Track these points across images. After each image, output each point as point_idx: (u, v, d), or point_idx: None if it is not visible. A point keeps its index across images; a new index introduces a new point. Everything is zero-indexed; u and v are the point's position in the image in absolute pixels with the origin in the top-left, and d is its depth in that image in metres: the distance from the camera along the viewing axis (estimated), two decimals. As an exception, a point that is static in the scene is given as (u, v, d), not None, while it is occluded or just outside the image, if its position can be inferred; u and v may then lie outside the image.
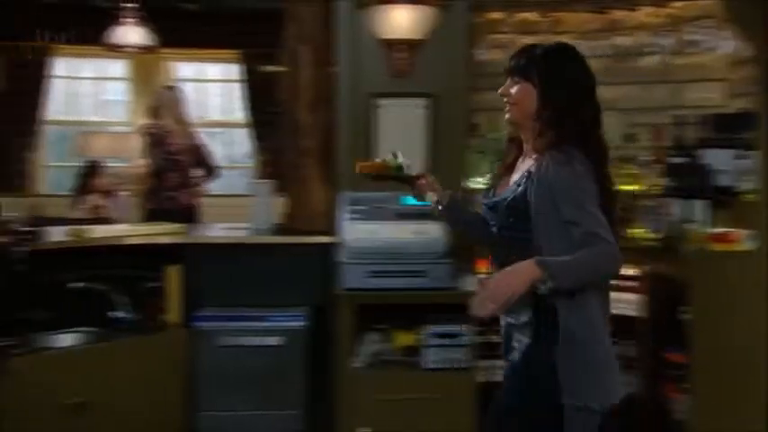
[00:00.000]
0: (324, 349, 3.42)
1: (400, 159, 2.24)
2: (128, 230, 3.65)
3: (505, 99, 2.03)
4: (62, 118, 7.33)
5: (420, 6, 3.39)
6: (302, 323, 3.41)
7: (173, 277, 3.45)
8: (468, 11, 3.52)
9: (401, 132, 3.51)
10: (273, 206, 3.72)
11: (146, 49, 5.85)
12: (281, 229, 3.67)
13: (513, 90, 2.01)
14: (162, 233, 3.60)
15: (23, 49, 6.87)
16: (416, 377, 3.16)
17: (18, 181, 6.87)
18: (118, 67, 7.37)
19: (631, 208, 3.51)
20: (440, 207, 2.21)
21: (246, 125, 7.49)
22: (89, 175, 6.05)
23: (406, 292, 3.18)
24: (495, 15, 3.65)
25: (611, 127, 3.67)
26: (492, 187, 2.12)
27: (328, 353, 3.40)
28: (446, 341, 3.18)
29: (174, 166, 4.88)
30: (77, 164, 6.26)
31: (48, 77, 6.99)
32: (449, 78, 3.52)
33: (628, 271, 3.42)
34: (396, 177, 2.25)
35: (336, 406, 3.32)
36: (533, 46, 2.05)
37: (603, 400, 1.93)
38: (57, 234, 3.42)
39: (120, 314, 3.40)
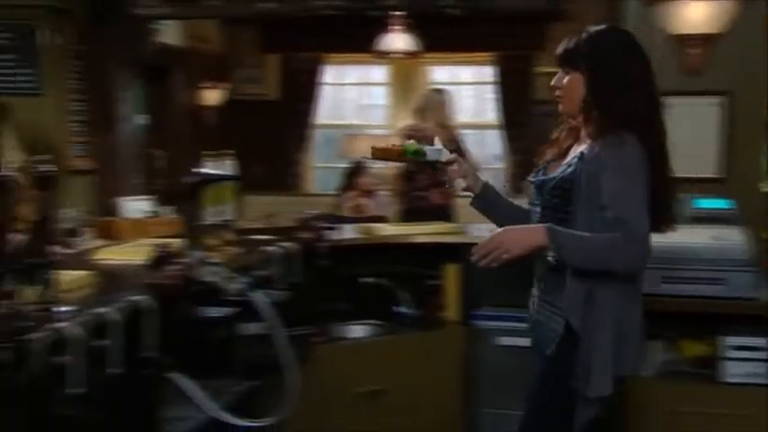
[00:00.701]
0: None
1: (437, 145, 2.15)
2: (412, 229, 3.81)
3: (557, 92, 1.96)
4: (328, 122, 7.85)
5: (717, -1, 3.21)
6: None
7: (452, 275, 3.55)
8: (770, 1, 3.28)
9: (692, 132, 3.34)
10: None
11: (410, 55, 6.09)
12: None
13: (564, 81, 1.95)
14: (442, 232, 3.72)
15: (297, 59, 7.45)
16: (713, 391, 2.97)
17: (291, 181, 7.46)
18: (379, 73, 7.75)
19: None
20: (472, 195, 2.14)
21: (498, 126, 7.54)
22: (354, 175, 6.41)
23: (702, 299, 3.02)
24: (802, 4, 3.36)
25: None
26: (544, 168, 2.05)
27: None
28: (747, 354, 2.96)
29: (425, 169, 5.01)
30: (342, 165, 6.66)
31: (318, 84, 7.52)
32: (746, 74, 3.29)
33: None
34: (417, 163, 2.18)
35: (618, 414, 3.23)
36: (580, 32, 1.96)
37: (593, 390, 1.95)
38: (347, 231, 3.66)
39: (404, 309, 3.57)
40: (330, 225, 3.40)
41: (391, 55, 6.11)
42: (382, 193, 6.10)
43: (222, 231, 2.75)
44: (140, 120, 5.49)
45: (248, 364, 2.48)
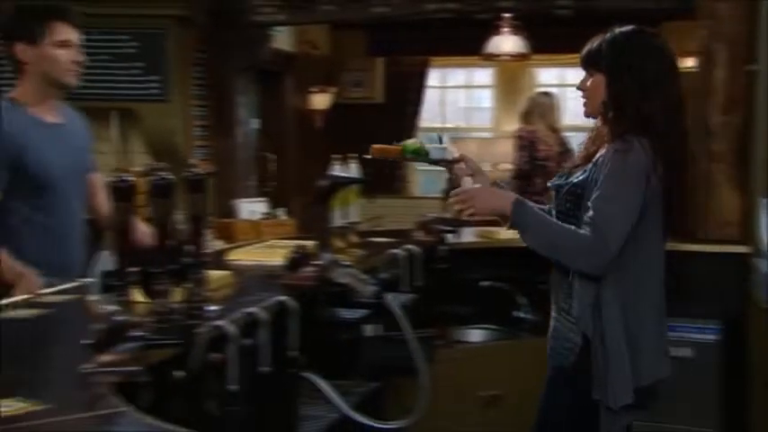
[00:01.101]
0: (739, 367, 3.21)
1: (443, 144, 2.10)
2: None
3: (581, 94, 1.94)
4: (433, 125, 7.85)
5: None
6: (714, 336, 3.24)
7: (570, 281, 3.47)
8: None
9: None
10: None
11: (519, 57, 6.02)
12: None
13: (588, 83, 1.92)
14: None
15: (402, 62, 7.48)
16: None
17: (396, 184, 7.50)
18: (484, 75, 7.70)
19: None
20: None
21: (606, 129, 7.36)
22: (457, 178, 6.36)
23: None
24: None
25: None
26: (568, 173, 2.01)
27: (746, 371, 3.18)
28: None
29: (540, 171, 4.93)
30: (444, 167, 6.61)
31: (423, 87, 7.53)
32: None
33: None
34: (419, 161, 2.16)
35: (755, 430, 3.09)
36: (603, 33, 1.92)
37: (615, 401, 1.88)
38: (466, 234, 3.63)
39: (522, 314, 3.52)
40: (450, 228, 3.38)
41: (500, 58, 6.05)
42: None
43: (347, 234, 2.78)
44: (254, 124, 5.63)
45: (370, 365, 2.49)
